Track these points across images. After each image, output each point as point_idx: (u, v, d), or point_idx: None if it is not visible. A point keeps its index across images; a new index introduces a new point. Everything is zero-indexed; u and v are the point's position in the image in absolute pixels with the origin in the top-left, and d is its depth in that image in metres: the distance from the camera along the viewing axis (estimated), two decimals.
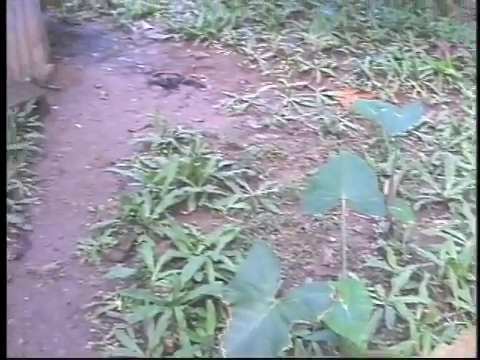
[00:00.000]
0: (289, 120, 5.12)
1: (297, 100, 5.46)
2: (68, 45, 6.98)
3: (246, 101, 5.42)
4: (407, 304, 3.08)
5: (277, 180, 4.22)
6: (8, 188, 4.01)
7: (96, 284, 3.33)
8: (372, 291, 3.12)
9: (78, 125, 5.13)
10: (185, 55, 6.68)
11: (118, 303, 3.14)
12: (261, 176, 4.27)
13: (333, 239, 3.71)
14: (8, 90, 5.31)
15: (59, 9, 8.22)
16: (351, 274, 3.25)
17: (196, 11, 7.96)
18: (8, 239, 3.65)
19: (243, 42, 6.83)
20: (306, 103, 5.44)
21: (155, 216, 3.68)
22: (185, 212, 3.85)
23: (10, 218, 3.77)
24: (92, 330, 3.04)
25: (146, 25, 7.83)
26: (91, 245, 3.57)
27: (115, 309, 3.12)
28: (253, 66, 6.29)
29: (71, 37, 7.30)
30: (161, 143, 4.59)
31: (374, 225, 3.81)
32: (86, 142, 4.82)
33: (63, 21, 7.92)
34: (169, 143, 4.58)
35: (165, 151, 4.52)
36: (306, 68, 6.14)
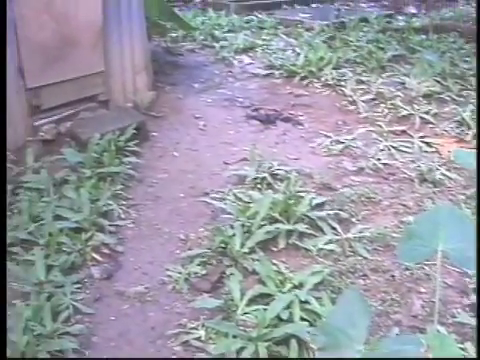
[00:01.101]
0: (385, 164, 5.05)
1: (394, 145, 5.38)
2: (170, 74, 7.18)
3: (343, 142, 5.39)
4: None
5: (369, 224, 4.14)
6: (104, 209, 4.13)
7: (181, 312, 3.35)
8: (462, 349, 3.01)
9: (175, 153, 5.24)
10: (284, 92, 6.74)
11: (202, 333, 3.14)
12: (353, 219, 4.21)
13: (423, 290, 3.60)
14: (111, 114, 5.55)
15: (164, 39, 8.49)
16: (440, 328, 3.15)
17: (297, 49, 8.07)
18: (100, 258, 3.75)
19: (343, 83, 6.84)
20: (403, 148, 5.36)
21: (245, 250, 3.68)
22: (275, 249, 3.83)
23: (103, 238, 3.87)
24: (174, 357, 3.06)
25: (247, 60, 7.97)
26: (179, 273, 3.60)
27: (198, 339, 3.12)
28: (352, 107, 6.27)
29: (174, 67, 7.51)
30: (255, 178, 4.61)
31: (467, 280, 3.69)
32: (182, 170, 4.92)
33: (167, 51, 8.17)
34: (263, 178, 4.60)
35: (259, 186, 4.54)
36: (405, 113, 6.06)
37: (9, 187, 4.39)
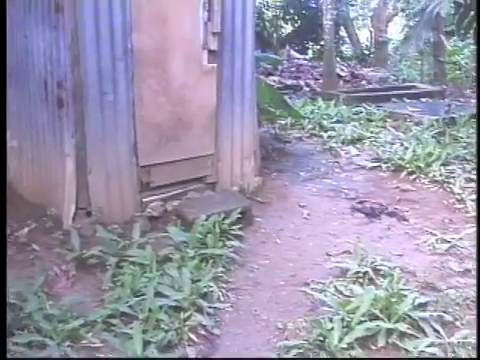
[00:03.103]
0: None
1: None
2: (277, 161, 7.30)
3: (449, 241, 5.23)
4: None
5: (474, 330, 3.95)
6: (204, 290, 4.16)
7: None
8: None
9: (278, 240, 5.25)
10: (390, 186, 6.68)
11: None
12: (458, 323, 4.02)
13: None
14: (217, 196, 5.66)
15: (273, 125, 8.66)
16: None
17: (406, 143, 8.03)
18: (196, 339, 3.75)
19: (451, 180, 6.70)
20: None
21: (343, 345, 3.58)
22: (374, 347, 3.70)
23: (201, 319, 3.88)
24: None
25: (354, 151, 8.00)
26: None
27: None
28: (459, 206, 6.11)
29: (281, 153, 7.63)
30: (357, 271, 4.53)
31: None
32: (284, 258, 4.91)
33: (275, 137, 8.33)
34: (366, 273, 4.51)
35: (361, 280, 4.45)
36: None
37: (114, 260, 4.53)
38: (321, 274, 4.61)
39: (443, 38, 13.65)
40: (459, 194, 6.33)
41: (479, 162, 4.04)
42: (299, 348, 3.64)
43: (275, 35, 19.55)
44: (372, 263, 4.63)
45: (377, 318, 3.85)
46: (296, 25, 20.03)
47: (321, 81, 13.94)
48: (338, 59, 16.34)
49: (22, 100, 5.75)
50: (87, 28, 4.93)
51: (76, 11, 4.89)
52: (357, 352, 3.58)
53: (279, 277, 4.59)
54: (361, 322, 3.79)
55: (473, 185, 6.57)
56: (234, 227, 5.08)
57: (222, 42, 5.75)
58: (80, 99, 5.05)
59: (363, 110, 10.49)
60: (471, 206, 6.03)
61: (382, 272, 4.56)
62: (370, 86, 14.44)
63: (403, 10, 18.49)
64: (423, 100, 12.22)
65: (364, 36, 21.14)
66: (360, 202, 6.10)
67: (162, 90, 5.46)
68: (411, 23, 12.57)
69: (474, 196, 6.27)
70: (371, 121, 9.79)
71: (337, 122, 9.52)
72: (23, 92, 5.70)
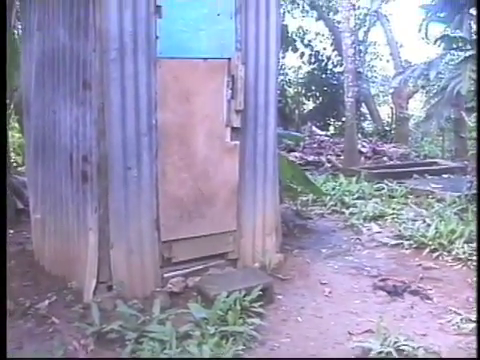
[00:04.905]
0: None
1: None
2: (299, 237, 7.30)
3: (474, 321, 5.11)
4: None
5: None
6: None
7: None
8: None
9: (299, 318, 5.17)
10: (413, 263, 6.61)
11: None
12: None
13: None
14: (238, 273, 5.66)
15: (294, 202, 8.68)
16: None
17: (428, 220, 7.96)
18: None
19: (475, 257, 6.61)
20: None
21: None
22: None
23: None
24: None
25: (376, 228, 7.96)
26: None
27: None
28: None
29: (303, 230, 7.63)
30: (380, 352, 4.42)
31: None
32: (305, 337, 4.83)
33: (297, 214, 8.33)
34: (388, 353, 4.40)
35: None
36: None
37: (134, 335, 4.50)
38: (343, 354, 4.53)
39: (464, 114, 13.70)
40: None
41: (479, 180, 4.00)
42: None
43: (297, 111, 19.82)
44: (395, 343, 4.53)
45: None
46: (318, 102, 20.30)
47: (342, 157, 14.02)
48: (359, 135, 16.46)
49: (47, 173, 5.87)
50: (113, 105, 5.06)
51: (103, 88, 5.03)
52: None
53: (300, 356, 4.52)
54: None
55: None
56: (255, 304, 5.02)
57: (245, 119, 5.84)
58: (104, 173, 5.13)
59: (385, 186, 10.47)
60: None
61: (405, 352, 4.46)
62: (391, 162, 14.46)
63: (424, 87, 18.68)
64: (445, 176, 12.21)
65: (385, 112, 21.33)
66: (382, 280, 6.02)
67: (185, 166, 5.53)
68: (432, 101, 12.67)
69: None
70: (393, 198, 9.77)
71: (359, 198, 9.52)
72: (49, 165, 5.82)
